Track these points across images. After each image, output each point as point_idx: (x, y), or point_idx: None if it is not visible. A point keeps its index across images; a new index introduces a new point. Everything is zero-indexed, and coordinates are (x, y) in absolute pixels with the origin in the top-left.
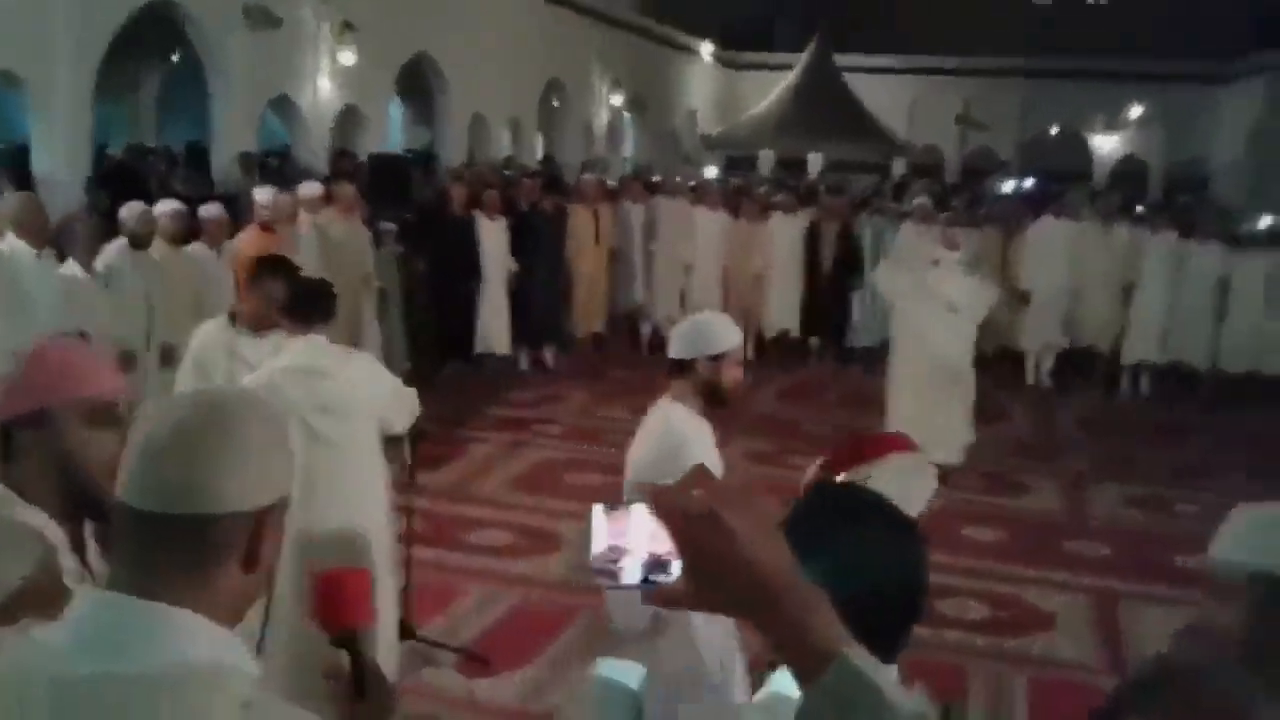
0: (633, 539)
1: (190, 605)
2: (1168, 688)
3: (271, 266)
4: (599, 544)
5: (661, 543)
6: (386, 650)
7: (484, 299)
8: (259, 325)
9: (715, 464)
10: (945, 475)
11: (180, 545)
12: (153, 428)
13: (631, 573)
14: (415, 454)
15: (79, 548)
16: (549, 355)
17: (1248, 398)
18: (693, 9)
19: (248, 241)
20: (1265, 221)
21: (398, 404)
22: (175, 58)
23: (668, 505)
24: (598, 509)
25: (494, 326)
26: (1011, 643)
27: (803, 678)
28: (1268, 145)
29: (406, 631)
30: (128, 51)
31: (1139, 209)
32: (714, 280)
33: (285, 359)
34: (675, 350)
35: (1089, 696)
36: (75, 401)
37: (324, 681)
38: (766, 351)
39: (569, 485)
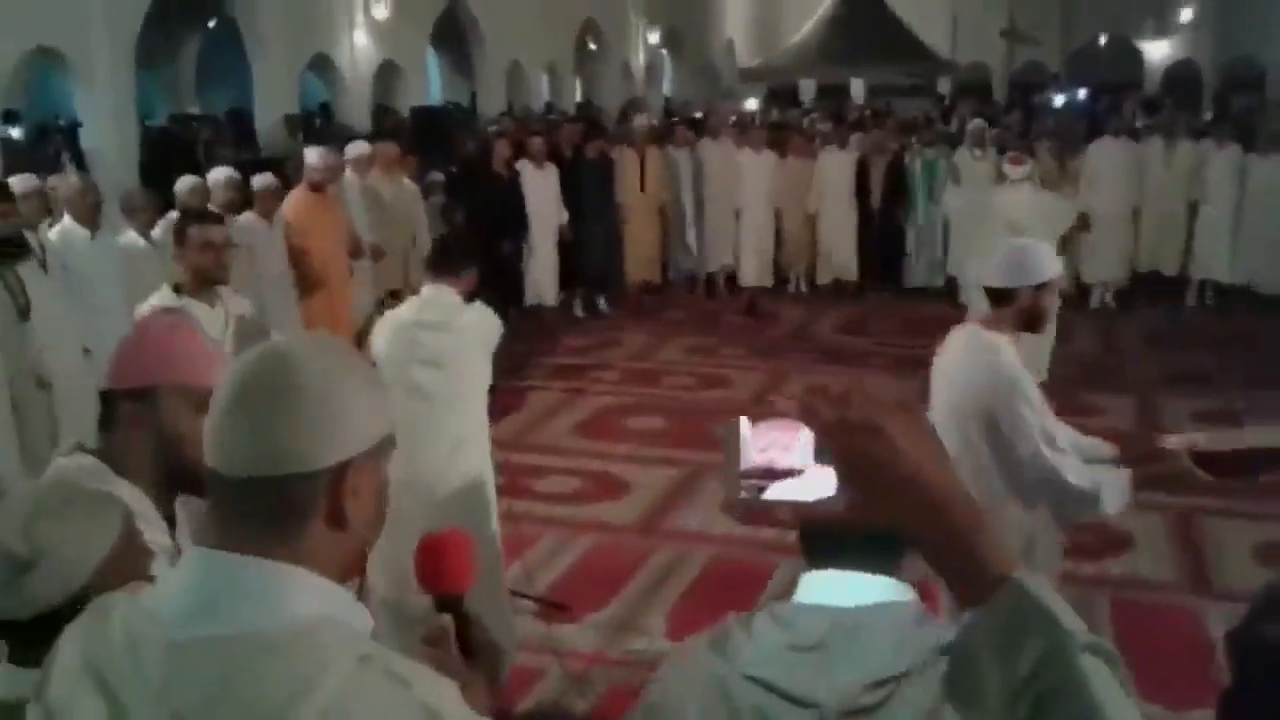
0: (780, 453)
1: (290, 561)
2: None
3: (197, 216)
4: (747, 458)
5: (806, 456)
6: (497, 610)
7: (532, 251)
8: (202, 284)
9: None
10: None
11: (255, 508)
12: (229, 391)
13: (783, 487)
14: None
15: (170, 523)
16: (602, 301)
17: None
18: None
19: (298, 203)
20: None
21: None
22: (211, 24)
23: (828, 417)
24: (744, 422)
25: (543, 278)
26: (1089, 567)
27: (969, 599)
28: None
29: None
30: (164, 20)
31: (1201, 120)
32: (766, 223)
33: (403, 310)
34: (996, 279)
35: (1173, 616)
36: (184, 386)
37: (423, 648)
38: (819, 293)
39: (631, 430)
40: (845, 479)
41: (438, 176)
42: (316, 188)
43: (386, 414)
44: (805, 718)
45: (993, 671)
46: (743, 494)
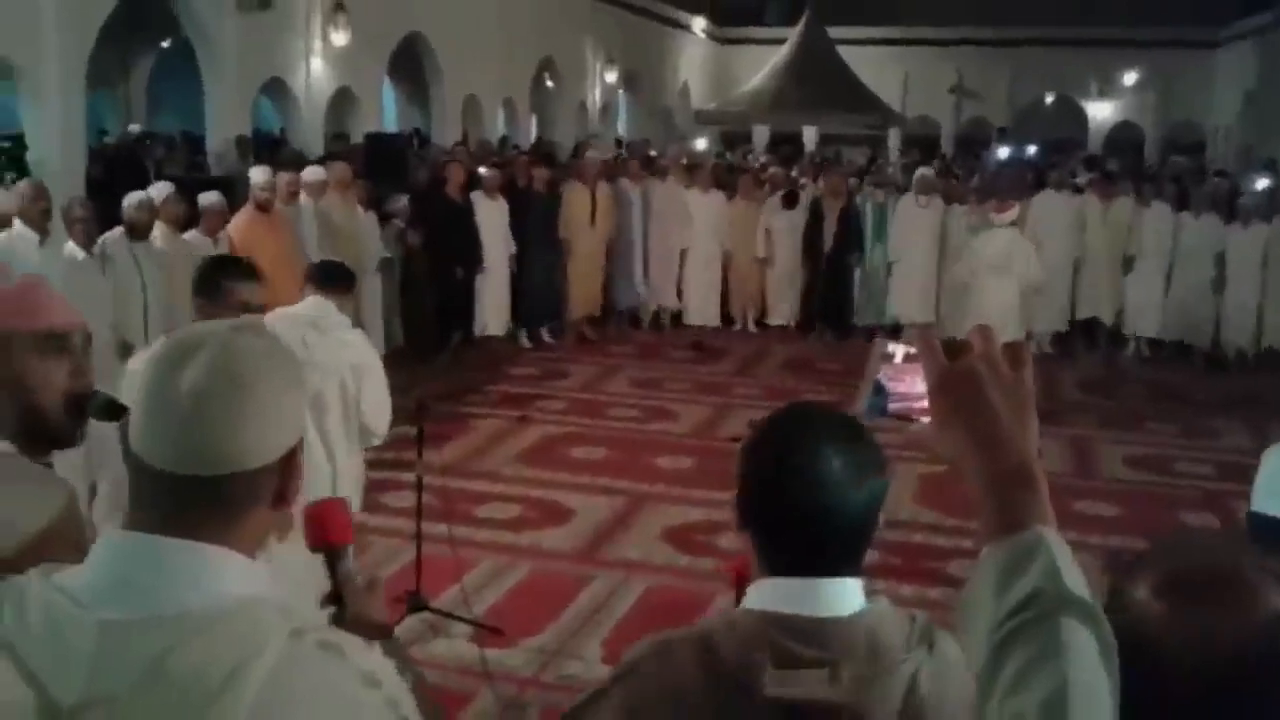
0: (908, 380)
1: (220, 544)
2: (1169, 551)
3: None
4: (883, 377)
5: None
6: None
7: (483, 280)
8: None
9: None
10: None
11: (206, 500)
12: (165, 386)
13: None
14: (421, 429)
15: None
16: (546, 333)
17: (1248, 364)
18: None
19: (242, 222)
20: (1262, 183)
21: (378, 404)
22: (166, 44)
23: (941, 361)
24: (890, 347)
25: (493, 308)
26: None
27: (994, 533)
28: (1260, 108)
29: (418, 603)
30: (118, 38)
31: (1132, 180)
32: (712, 263)
33: (289, 308)
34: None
35: None
36: (29, 331)
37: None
38: (768, 329)
39: (575, 459)
40: (939, 410)
41: (401, 201)
42: (262, 207)
43: (306, 398)
44: None
45: (987, 601)
46: (866, 406)
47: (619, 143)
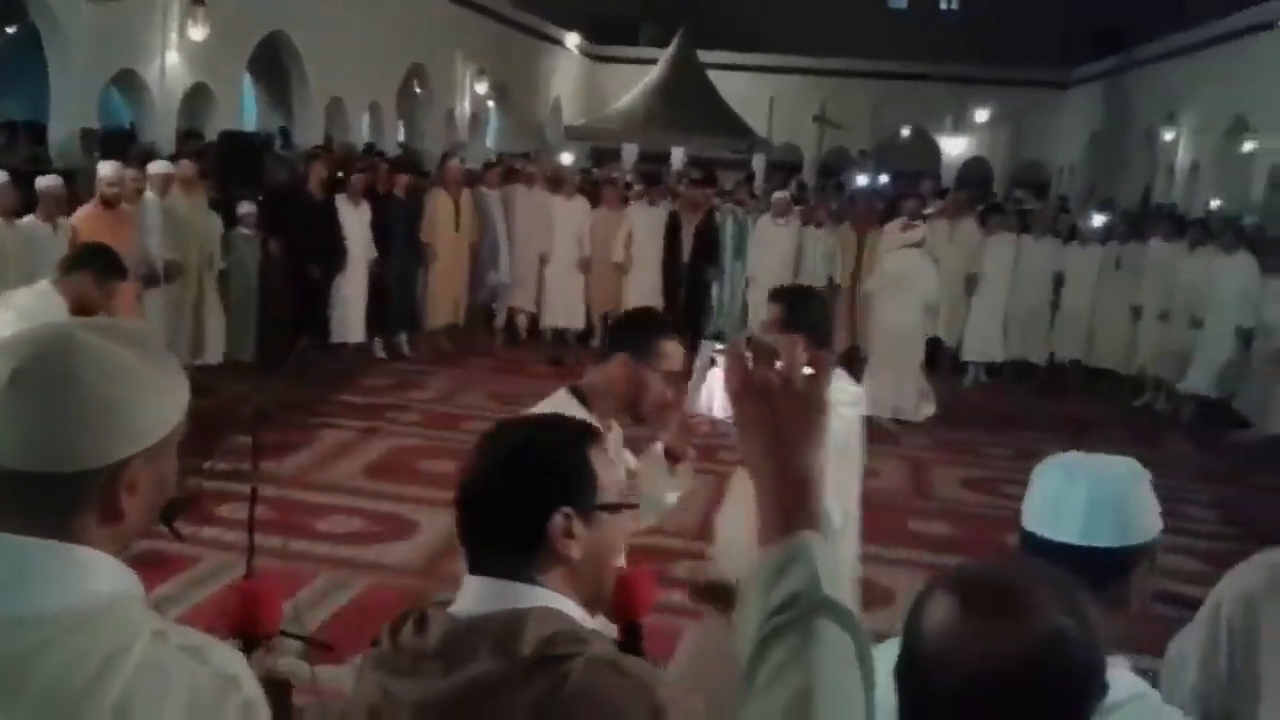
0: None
1: (74, 541)
2: (965, 570)
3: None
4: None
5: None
6: None
7: (341, 285)
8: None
9: None
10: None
11: (19, 499)
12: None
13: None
14: (258, 438)
15: None
16: (403, 343)
17: (1081, 385)
18: (560, 1)
19: (86, 216)
20: (1098, 219)
21: None
22: (11, 30)
23: (739, 379)
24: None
25: (351, 314)
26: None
27: (765, 539)
28: (1103, 149)
29: None
30: None
31: (980, 208)
32: (572, 270)
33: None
34: None
35: None
36: None
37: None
38: None
39: (423, 472)
40: (738, 418)
41: (249, 209)
42: (108, 202)
43: (178, 403)
44: None
45: (757, 600)
46: (698, 408)
47: (500, 158)
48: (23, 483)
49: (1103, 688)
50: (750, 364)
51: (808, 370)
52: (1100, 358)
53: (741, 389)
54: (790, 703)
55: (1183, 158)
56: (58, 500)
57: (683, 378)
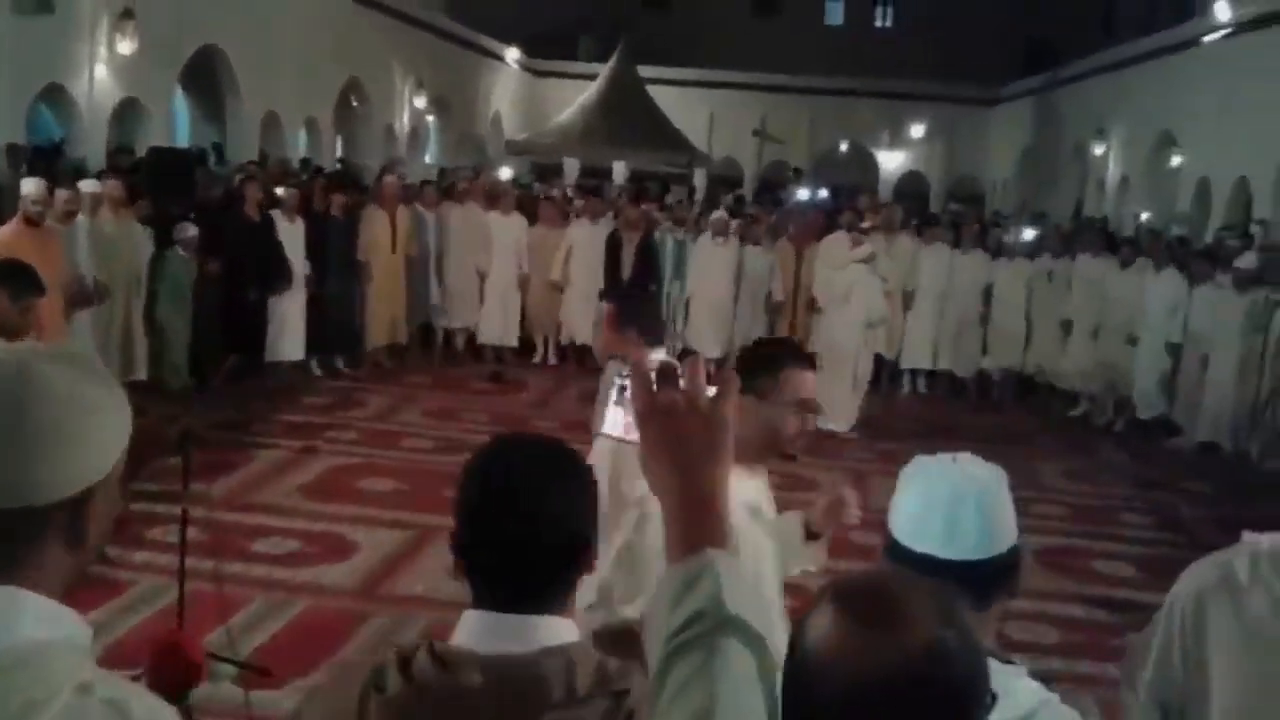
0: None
1: (9, 583)
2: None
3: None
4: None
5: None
6: None
7: (278, 304)
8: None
9: None
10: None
11: None
12: None
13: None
14: (188, 459)
15: None
16: (340, 361)
17: (1015, 397)
18: (498, 15)
19: (8, 235)
20: (1028, 234)
21: None
22: None
23: (644, 399)
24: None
25: (288, 332)
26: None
27: (672, 557)
28: (1035, 163)
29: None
30: None
31: (914, 222)
32: (510, 287)
33: None
34: None
35: None
36: None
37: None
38: (567, 358)
39: (361, 491)
40: (643, 440)
41: (190, 231)
42: (32, 221)
43: (128, 426)
44: None
45: (663, 616)
46: (604, 429)
47: (442, 173)
48: None
49: (990, 696)
50: (654, 386)
51: (710, 390)
52: (1034, 370)
53: (647, 410)
54: (693, 718)
55: (1113, 172)
56: (17, 534)
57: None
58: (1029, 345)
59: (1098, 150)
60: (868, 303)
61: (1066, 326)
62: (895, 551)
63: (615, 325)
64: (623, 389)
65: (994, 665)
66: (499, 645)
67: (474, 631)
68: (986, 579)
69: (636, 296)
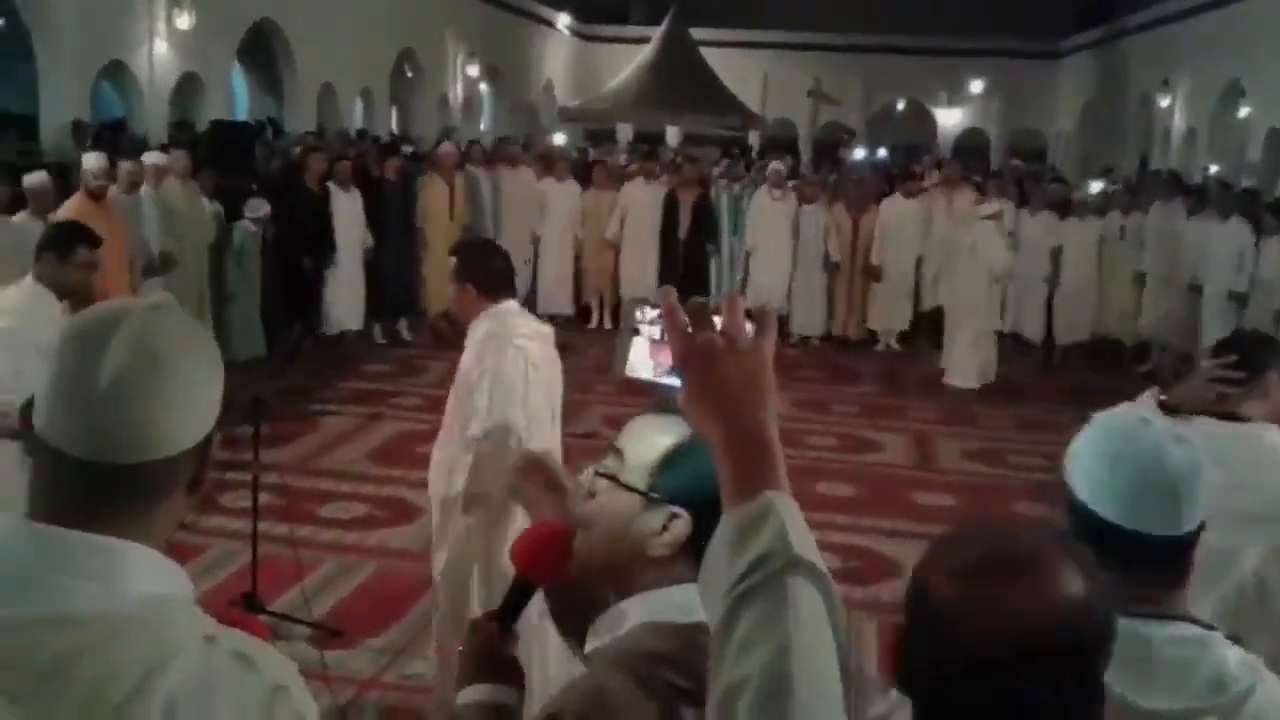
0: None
1: (131, 538)
2: (967, 537)
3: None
4: (637, 346)
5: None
6: None
7: (336, 274)
8: (67, 296)
9: None
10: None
11: (126, 489)
12: (81, 368)
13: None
14: (258, 427)
15: None
16: (403, 329)
17: (1082, 357)
18: None
19: (71, 209)
20: (1095, 187)
21: None
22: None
23: (683, 338)
24: (642, 318)
25: (347, 302)
26: (862, 591)
27: (729, 501)
28: (1098, 117)
29: (255, 606)
30: None
31: (976, 179)
32: (565, 250)
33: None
34: None
35: None
36: None
37: None
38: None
39: (426, 456)
40: (685, 383)
41: (265, 208)
42: (94, 195)
43: (221, 381)
44: None
45: (723, 564)
46: (626, 372)
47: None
48: (126, 472)
49: (1109, 650)
50: (689, 327)
51: (750, 328)
52: (1103, 326)
53: (685, 353)
54: (769, 662)
55: (1179, 123)
56: (155, 483)
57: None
58: (1100, 304)
59: (1163, 102)
60: (992, 257)
61: (1140, 279)
62: (1085, 520)
63: (454, 280)
64: (635, 330)
65: (1197, 632)
66: None
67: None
68: (1185, 553)
69: (473, 246)
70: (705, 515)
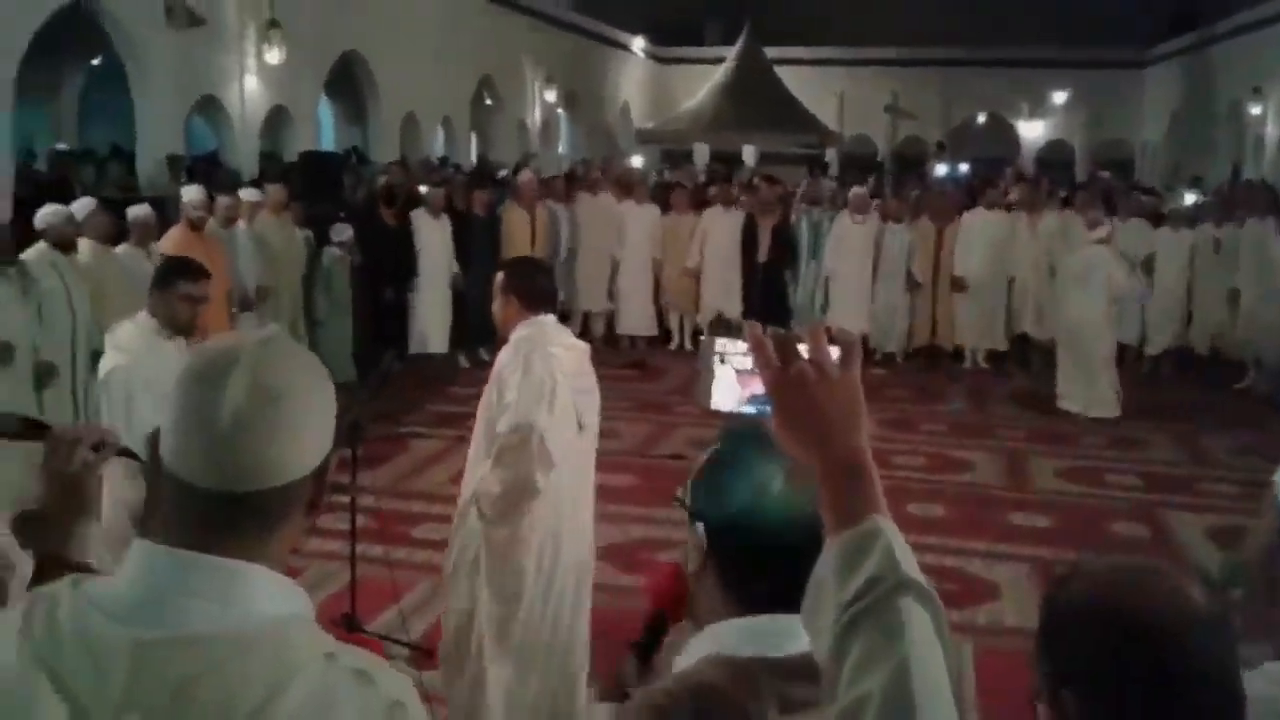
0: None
1: (255, 560)
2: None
3: (185, 270)
4: (721, 374)
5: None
6: None
7: (421, 299)
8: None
9: None
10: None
11: (250, 515)
12: (202, 403)
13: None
14: (355, 450)
15: None
16: (485, 352)
17: (1172, 368)
18: (624, 5)
19: (174, 239)
20: (1189, 199)
21: None
22: (97, 60)
23: (774, 368)
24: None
25: (432, 327)
26: (955, 615)
27: (833, 528)
28: (1186, 126)
29: (353, 626)
30: (48, 53)
31: (1063, 193)
32: (644, 272)
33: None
34: None
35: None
36: None
37: None
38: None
39: None
40: (776, 413)
41: (348, 232)
42: (195, 226)
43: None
44: None
45: (831, 590)
46: (712, 404)
47: (571, 173)
48: (250, 499)
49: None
50: (777, 357)
51: (836, 354)
52: (1197, 343)
53: (778, 383)
54: (889, 681)
55: (1272, 132)
56: (281, 507)
57: None
58: (1192, 317)
59: (1255, 110)
60: (1113, 280)
61: (1234, 296)
62: None
63: (499, 293)
64: (722, 357)
65: None
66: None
67: (753, 637)
68: None
69: (522, 263)
70: (722, 530)
